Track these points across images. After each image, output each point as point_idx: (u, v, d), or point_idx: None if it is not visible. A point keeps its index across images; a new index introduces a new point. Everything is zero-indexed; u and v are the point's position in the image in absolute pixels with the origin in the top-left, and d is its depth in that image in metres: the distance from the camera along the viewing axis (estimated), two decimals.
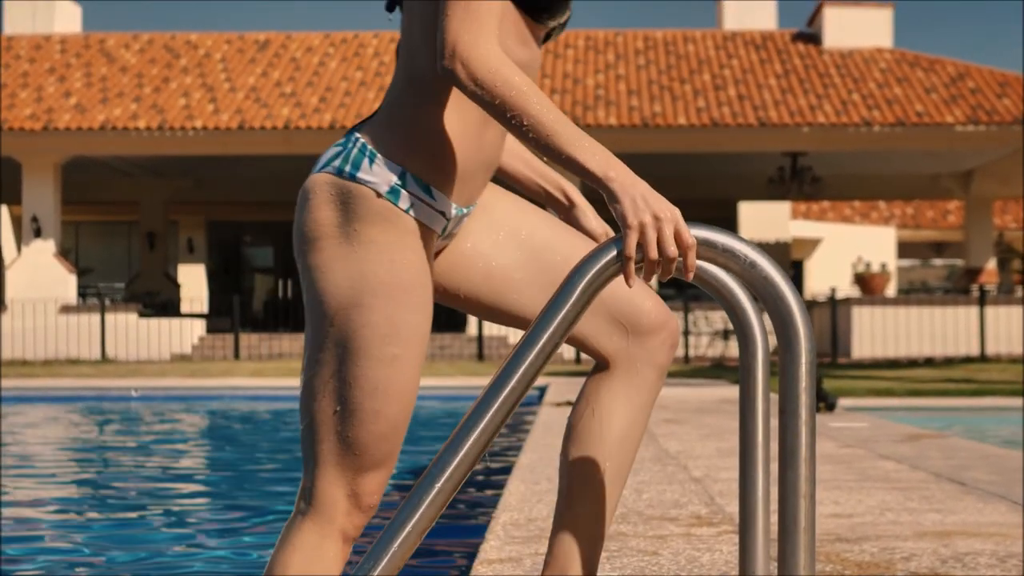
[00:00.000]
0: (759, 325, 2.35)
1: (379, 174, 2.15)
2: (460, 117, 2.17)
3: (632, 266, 2.03)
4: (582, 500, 2.27)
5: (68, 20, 28.39)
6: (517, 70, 2.03)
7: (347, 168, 2.16)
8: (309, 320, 2.20)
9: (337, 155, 2.18)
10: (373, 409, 2.16)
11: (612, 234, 2.08)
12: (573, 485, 2.27)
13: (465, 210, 2.25)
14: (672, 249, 2.02)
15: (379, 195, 2.14)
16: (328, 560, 2.18)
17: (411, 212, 2.16)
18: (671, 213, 2.02)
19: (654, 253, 2.01)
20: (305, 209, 2.20)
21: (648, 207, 2.02)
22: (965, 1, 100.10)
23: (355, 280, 2.15)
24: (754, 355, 2.33)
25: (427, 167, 2.17)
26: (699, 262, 2.25)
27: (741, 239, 2.10)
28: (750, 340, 2.36)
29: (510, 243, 2.33)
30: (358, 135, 2.18)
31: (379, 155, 2.15)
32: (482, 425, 2.07)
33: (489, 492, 6.24)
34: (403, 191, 2.15)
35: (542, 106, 2.02)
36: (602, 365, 2.31)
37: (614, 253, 2.06)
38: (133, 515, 6.33)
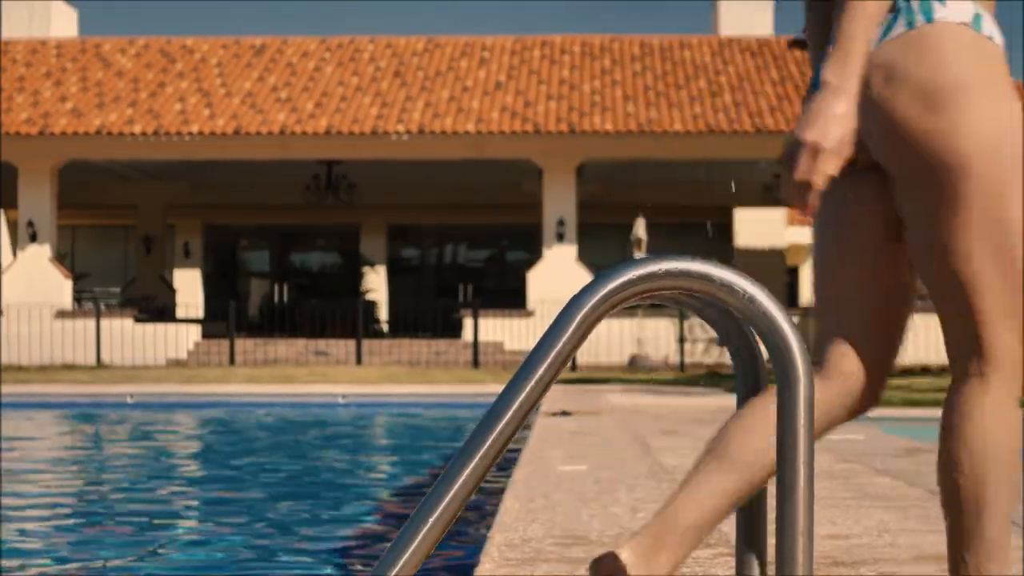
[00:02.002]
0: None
1: (954, 8, 2.07)
2: None
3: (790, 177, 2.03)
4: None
5: (64, 24, 28.39)
6: None
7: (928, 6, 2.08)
8: (927, 185, 2.08)
9: (905, 10, 2.08)
10: None
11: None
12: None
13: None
14: (797, 174, 2.01)
15: (964, 25, 2.06)
16: (1019, 416, 2.13)
17: (994, 39, 2.09)
18: (820, 144, 1.98)
19: (790, 169, 2.01)
20: (928, 62, 2.06)
21: (807, 128, 2.00)
22: None
23: (986, 125, 2.04)
24: None
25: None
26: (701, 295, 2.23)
27: (740, 273, 2.06)
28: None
29: None
30: None
31: None
32: (477, 458, 2.05)
33: (488, 491, 6.21)
34: (982, 20, 2.09)
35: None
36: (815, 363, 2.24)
37: (612, 286, 2.03)
38: (127, 522, 6.32)
